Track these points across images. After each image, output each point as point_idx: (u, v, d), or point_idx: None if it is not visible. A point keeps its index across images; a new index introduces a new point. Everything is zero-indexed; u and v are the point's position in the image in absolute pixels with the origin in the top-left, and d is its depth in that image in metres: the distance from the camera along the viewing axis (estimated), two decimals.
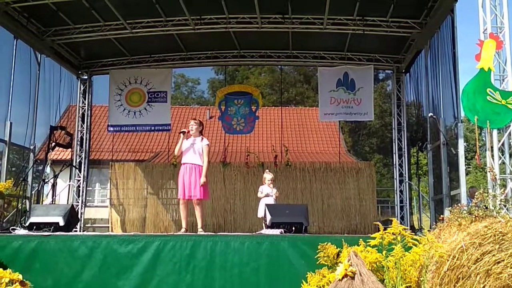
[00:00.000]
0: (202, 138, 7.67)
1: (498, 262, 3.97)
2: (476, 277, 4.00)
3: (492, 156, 6.40)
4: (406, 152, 11.87)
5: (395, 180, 12.01)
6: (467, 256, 4.11)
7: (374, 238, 4.80)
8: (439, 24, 9.08)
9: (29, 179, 9.61)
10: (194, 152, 7.53)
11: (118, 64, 12.38)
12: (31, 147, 9.88)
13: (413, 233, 4.87)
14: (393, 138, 12.18)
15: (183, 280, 5.69)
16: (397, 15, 9.94)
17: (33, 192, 9.87)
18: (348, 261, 4.64)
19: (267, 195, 8.49)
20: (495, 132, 6.48)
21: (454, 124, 8.13)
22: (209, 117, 23.88)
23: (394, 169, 12.07)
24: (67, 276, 5.77)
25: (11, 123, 9.14)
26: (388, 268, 4.63)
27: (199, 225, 7.52)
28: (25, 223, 7.17)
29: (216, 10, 10.05)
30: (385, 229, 4.80)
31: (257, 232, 7.49)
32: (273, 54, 12.21)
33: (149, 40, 11.14)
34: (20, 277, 5.29)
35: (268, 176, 8.70)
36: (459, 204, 5.53)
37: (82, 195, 12.17)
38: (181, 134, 7.62)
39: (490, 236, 4.13)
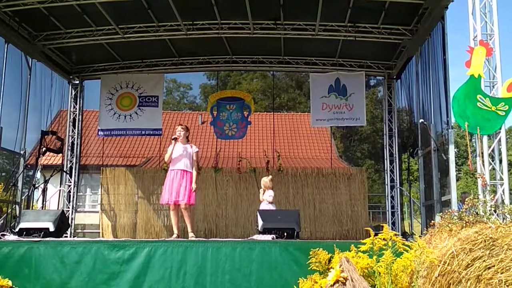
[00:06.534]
0: (191, 145, 7.78)
1: (489, 268, 3.99)
2: (467, 283, 4.01)
3: (483, 162, 6.45)
4: (397, 158, 11.90)
5: (386, 186, 12.02)
6: (458, 261, 4.12)
7: (365, 244, 4.81)
8: (430, 31, 9.14)
9: (19, 184, 9.54)
10: (185, 158, 7.59)
11: (110, 69, 12.34)
12: (22, 152, 9.81)
13: (404, 239, 4.88)
14: (385, 144, 12.22)
15: (174, 286, 5.66)
16: (388, 22, 9.99)
17: (23, 197, 9.79)
18: (339, 267, 4.64)
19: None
20: (485, 138, 6.53)
21: (445, 130, 8.18)
22: (201, 122, 23.88)
23: (386, 174, 12.09)
24: (57, 282, 5.73)
25: (1, 128, 9.07)
26: (380, 273, 4.64)
27: (189, 229, 7.54)
28: (15, 229, 7.11)
29: (208, 15, 10.06)
30: (376, 234, 4.82)
31: (248, 238, 7.48)
32: (265, 59, 12.24)
33: (141, 45, 11.11)
34: (10, 283, 5.26)
35: (265, 178, 8.70)
36: (449, 210, 5.56)
37: (73, 200, 12.09)
38: (173, 141, 7.65)
39: (481, 242, 4.14)
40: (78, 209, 12.95)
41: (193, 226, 7.66)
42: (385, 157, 12.11)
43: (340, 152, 26.16)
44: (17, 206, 9.42)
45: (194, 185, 7.52)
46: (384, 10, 9.45)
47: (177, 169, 7.56)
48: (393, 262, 4.61)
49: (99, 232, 11.84)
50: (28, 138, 10.19)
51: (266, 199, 8.45)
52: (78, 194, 12.71)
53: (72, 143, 12.36)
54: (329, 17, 9.99)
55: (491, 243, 4.11)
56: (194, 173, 7.61)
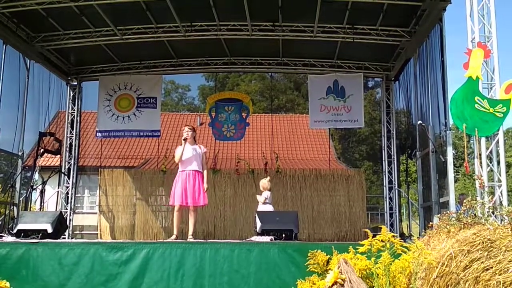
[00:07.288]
0: (200, 146, 7.78)
1: (487, 269, 3.98)
2: (465, 284, 4.01)
3: (480, 163, 6.46)
4: (395, 160, 11.92)
5: (384, 187, 12.04)
6: (456, 263, 4.11)
7: (363, 245, 4.81)
8: (428, 33, 9.16)
9: (17, 185, 9.53)
10: (196, 159, 7.57)
11: (108, 71, 12.34)
12: (20, 153, 9.80)
13: (403, 240, 4.88)
14: (383, 145, 12.23)
15: (172, 287, 5.65)
16: (387, 23, 10.01)
17: (21, 198, 9.78)
18: (338, 268, 4.65)
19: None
20: (483, 140, 6.54)
21: (443, 132, 8.19)
22: (199, 123, 23.83)
23: (384, 176, 12.11)
24: (55, 284, 5.70)
25: None
26: (378, 275, 4.64)
27: (191, 232, 7.50)
28: (12, 230, 7.08)
29: (206, 17, 10.07)
30: (374, 236, 4.82)
31: (247, 239, 7.48)
32: (264, 61, 12.25)
33: (139, 46, 11.12)
34: (7, 284, 5.24)
35: (263, 180, 8.71)
36: (447, 211, 5.56)
37: (71, 201, 12.07)
38: (183, 142, 7.61)
39: (479, 243, 4.13)
40: (76, 211, 12.93)
41: (195, 229, 7.64)
42: (383, 159, 12.12)
43: (338, 153, 26.15)
44: (15, 207, 9.40)
45: (206, 185, 7.54)
46: (382, 11, 9.48)
47: (189, 170, 7.49)
48: (391, 264, 4.61)
49: (97, 234, 11.82)
50: (26, 139, 10.20)
51: (260, 200, 8.48)
52: (76, 195, 12.69)
53: (70, 144, 12.35)
54: (327, 18, 10.01)
55: (489, 245, 4.10)
56: (205, 173, 7.61)
